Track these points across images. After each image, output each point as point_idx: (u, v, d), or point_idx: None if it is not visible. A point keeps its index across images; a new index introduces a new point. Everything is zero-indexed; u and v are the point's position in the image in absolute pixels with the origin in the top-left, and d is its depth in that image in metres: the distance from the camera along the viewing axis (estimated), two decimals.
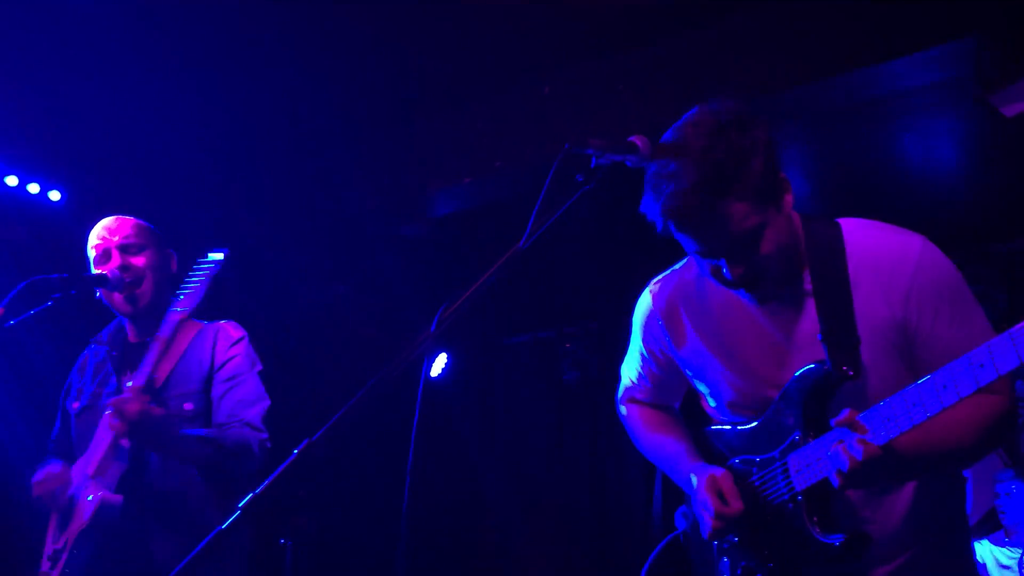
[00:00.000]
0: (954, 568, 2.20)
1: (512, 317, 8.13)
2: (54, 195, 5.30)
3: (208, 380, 3.09)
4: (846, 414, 1.92)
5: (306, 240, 6.25)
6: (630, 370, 2.58)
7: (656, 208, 2.01)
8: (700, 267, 2.15)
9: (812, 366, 2.09)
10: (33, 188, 5.22)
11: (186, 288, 2.96)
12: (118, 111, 5.17)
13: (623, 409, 2.66)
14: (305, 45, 4.89)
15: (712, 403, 2.40)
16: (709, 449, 2.39)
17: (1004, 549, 5.55)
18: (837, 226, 2.16)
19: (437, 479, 7.77)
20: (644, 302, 2.43)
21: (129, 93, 5.06)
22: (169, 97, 5.12)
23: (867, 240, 2.12)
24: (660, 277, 2.43)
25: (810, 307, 2.13)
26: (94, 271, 3.13)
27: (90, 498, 2.81)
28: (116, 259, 3.11)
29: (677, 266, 2.40)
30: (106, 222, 3.20)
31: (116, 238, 3.14)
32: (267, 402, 3.11)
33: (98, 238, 3.15)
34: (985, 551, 5.61)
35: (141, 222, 3.25)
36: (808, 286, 2.13)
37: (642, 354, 2.49)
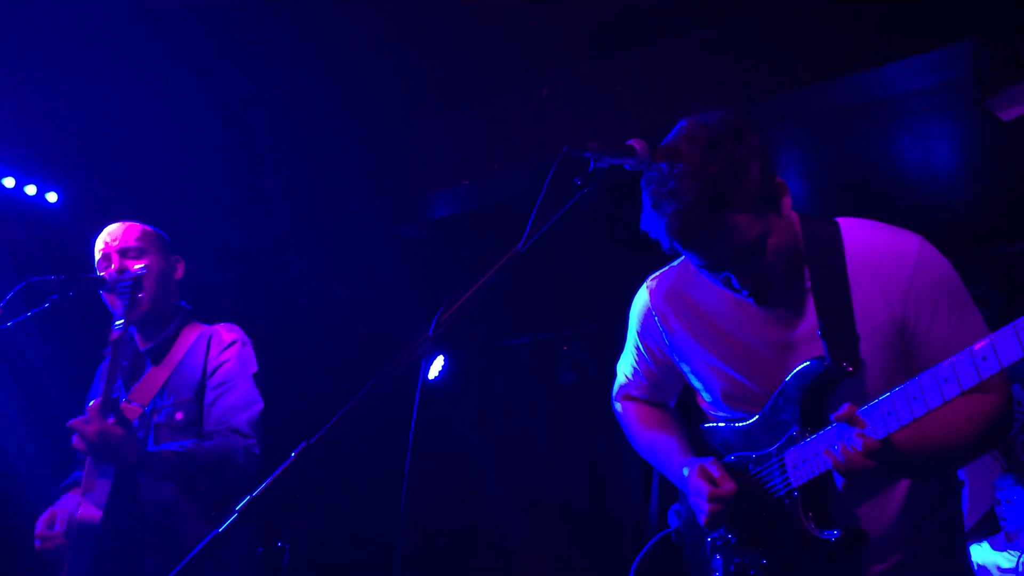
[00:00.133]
0: (949, 568, 2.20)
1: (510, 319, 8.14)
2: (51, 197, 5.30)
3: (200, 387, 3.06)
4: (845, 408, 1.93)
5: (305, 241, 6.25)
6: (625, 366, 2.58)
7: (660, 228, 2.01)
8: (709, 279, 2.15)
9: (811, 362, 2.09)
10: (30, 190, 5.22)
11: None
12: (116, 112, 5.16)
13: (618, 406, 2.65)
14: (304, 46, 4.89)
15: (708, 400, 2.40)
16: (704, 446, 2.39)
17: (1004, 553, 5.55)
18: (836, 225, 2.17)
19: (435, 481, 7.77)
20: (641, 298, 2.43)
21: (127, 94, 5.06)
22: (167, 99, 5.12)
23: (866, 239, 2.13)
24: (657, 273, 2.43)
25: (809, 304, 2.13)
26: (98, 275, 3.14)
27: (77, 516, 2.82)
28: (115, 263, 3.12)
29: (675, 262, 2.40)
30: (111, 227, 3.21)
31: (117, 243, 3.15)
32: (259, 406, 3.06)
33: (102, 242, 3.17)
34: (985, 556, 5.61)
35: (147, 228, 3.25)
36: (807, 284, 2.14)
37: (638, 349, 2.48)
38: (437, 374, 7.80)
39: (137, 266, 3.11)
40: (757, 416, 2.23)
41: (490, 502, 8.22)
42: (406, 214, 5.87)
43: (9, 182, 5.13)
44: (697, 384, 2.39)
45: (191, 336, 3.17)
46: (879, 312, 2.07)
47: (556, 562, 7.89)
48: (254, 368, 3.15)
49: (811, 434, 2.09)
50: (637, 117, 4.86)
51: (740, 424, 2.29)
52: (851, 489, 1.98)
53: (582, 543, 7.82)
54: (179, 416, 3.02)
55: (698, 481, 2.20)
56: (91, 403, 2.74)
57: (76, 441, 2.72)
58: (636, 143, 1.88)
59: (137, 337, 3.24)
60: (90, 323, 3.44)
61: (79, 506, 2.84)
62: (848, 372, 2.04)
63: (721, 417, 2.36)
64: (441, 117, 5.58)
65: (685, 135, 2.01)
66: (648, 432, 2.53)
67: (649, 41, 4.86)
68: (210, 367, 3.08)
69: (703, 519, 2.21)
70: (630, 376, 2.57)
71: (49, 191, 5.29)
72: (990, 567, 5.56)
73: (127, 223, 3.22)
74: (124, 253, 3.13)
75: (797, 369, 2.12)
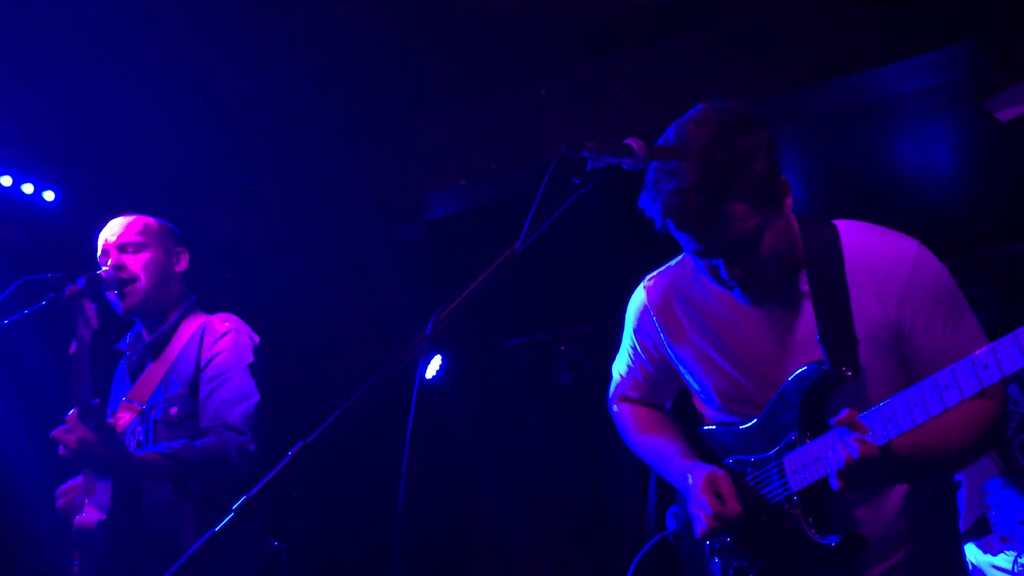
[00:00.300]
0: (946, 568, 2.20)
1: (508, 319, 8.14)
2: (48, 195, 5.29)
3: (195, 381, 3.03)
4: (846, 413, 1.92)
5: (302, 241, 6.24)
6: (621, 366, 2.56)
7: (656, 205, 2.01)
8: (697, 265, 2.14)
9: (811, 366, 2.09)
10: (27, 188, 5.21)
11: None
12: (113, 111, 5.16)
13: (615, 408, 2.64)
14: (302, 46, 4.88)
15: (705, 402, 2.39)
16: (701, 449, 2.38)
17: (1001, 555, 5.55)
18: (834, 228, 2.17)
19: (432, 481, 7.77)
20: (638, 297, 2.42)
21: (125, 93, 5.05)
22: (165, 98, 5.11)
23: (864, 242, 2.13)
24: (655, 272, 2.42)
25: (807, 308, 2.13)
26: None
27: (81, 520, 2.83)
28: (113, 259, 3.12)
29: (672, 262, 2.39)
30: (112, 222, 3.21)
31: (116, 238, 3.15)
32: (254, 399, 3.01)
33: (102, 238, 3.18)
34: (981, 559, 5.60)
35: (150, 221, 3.24)
36: (805, 287, 2.13)
37: (635, 349, 2.47)
38: (434, 374, 7.79)
39: (134, 262, 3.11)
40: (755, 419, 2.23)
41: (487, 502, 8.21)
42: (404, 214, 5.86)
43: (6, 180, 5.13)
44: (694, 385, 2.38)
45: (190, 328, 3.15)
46: (875, 316, 2.07)
47: (554, 563, 7.89)
48: (249, 359, 3.09)
49: (810, 439, 2.09)
50: (636, 117, 4.86)
51: (738, 427, 2.28)
52: (849, 493, 1.98)
53: (580, 544, 7.82)
54: (173, 411, 3.00)
55: (704, 496, 2.17)
56: (69, 412, 2.71)
57: (61, 450, 2.71)
58: (634, 142, 1.87)
59: (143, 331, 3.23)
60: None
61: (83, 510, 2.83)
62: (847, 377, 2.04)
63: (718, 419, 2.35)
64: (439, 117, 5.57)
65: (696, 118, 2.02)
66: (646, 434, 2.52)
67: (648, 41, 4.85)
68: (203, 359, 3.05)
69: (700, 532, 2.20)
70: (626, 376, 2.56)
71: (46, 190, 5.29)
72: (985, 567, 5.55)
73: (130, 217, 3.22)
74: (123, 248, 3.13)
75: (796, 373, 2.12)
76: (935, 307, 2.05)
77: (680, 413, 2.55)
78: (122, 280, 3.08)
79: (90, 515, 2.81)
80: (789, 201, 2.08)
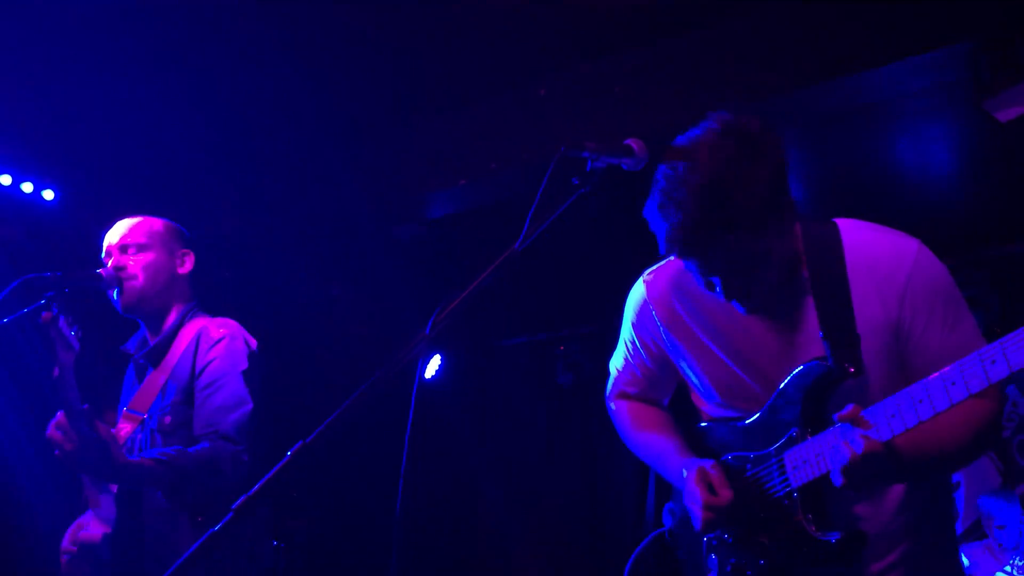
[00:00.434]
0: (944, 565, 2.20)
1: (507, 319, 8.14)
2: (48, 194, 5.29)
3: (189, 388, 3.01)
4: (850, 409, 1.92)
5: (302, 241, 6.24)
6: (619, 361, 2.55)
7: (661, 230, 2.00)
8: (695, 276, 2.15)
9: (813, 362, 2.08)
10: (27, 187, 5.21)
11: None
12: (112, 111, 5.16)
13: (613, 405, 2.62)
14: (301, 47, 4.88)
15: (704, 396, 2.38)
16: (700, 446, 2.37)
17: (1006, 567, 5.52)
18: (835, 226, 2.17)
19: (431, 480, 7.76)
20: (637, 291, 2.41)
21: (124, 93, 5.05)
22: (164, 97, 5.11)
23: (864, 240, 2.13)
24: (655, 267, 2.41)
25: (809, 305, 2.12)
26: None
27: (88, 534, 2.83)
28: (114, 260, 3.14)
29: (672, 257, 2.39)
30: (117, 223, 3.22)
31: (117, 239, 3.16)
32: (248, 406, 2.98)
33: (106, 239, 3.19)
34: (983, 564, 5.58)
35: (155, 222, 3.24)
36: (806, 284, 2.13)
37: (633, 343, 2.45)
38: (434, 373, 7.79)
39: (134, 263, 3.12)
40: (756, 416, 2.22)
41: (487, 502, 8.22)
42: (403, 213, 5.86)
43: (6, 180, 5.13)
44: (693, 379, 2.38)
45: (189, 334, 3.14)
46: (875, 314, 2.07)
47: (553, 561, 7.89)
48: (243, 365, 3.06)
49: (811, 435, 2.08)
50: (636, 117, 4.85)
51: (738, 423, 2.27)
52: (850, 490, 1.97)
53: (579, 543, 7.82)
54: (167, 420, 2.99)
55: (695, 487, 2.17)
56: (57, 415, 2.70)
57: (57, 453, 2.70)
58: (634, 143, 1.87)
59: (147, 334, 3.23)
60: (90, 323, 3.43)
61: (89, 523, 2.84)
62: (850, 373, 2.03)
63: (718, 415, 2.35)
64: (439, 117, 5.57)
65: (708, 142, 1.98)
66: (644, 431, 2.51)
67: (648, 41, 4.85)
68: (198, 366, 3.03)
69: (698, 526, 2.19)
70: (623, 371, 2.54)
71: (46, 189, 5.29)
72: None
73: (135, 219, 3.23)
74: (124, 249, 3.14)
75: (798, 370, 2.11)
76: (934, 306, 2.05)
77: (678, 411, 2.55)
78: (121, 279, 3.09)
79: (94, 530, 2.81)
80: (792, 216, 2.08)
